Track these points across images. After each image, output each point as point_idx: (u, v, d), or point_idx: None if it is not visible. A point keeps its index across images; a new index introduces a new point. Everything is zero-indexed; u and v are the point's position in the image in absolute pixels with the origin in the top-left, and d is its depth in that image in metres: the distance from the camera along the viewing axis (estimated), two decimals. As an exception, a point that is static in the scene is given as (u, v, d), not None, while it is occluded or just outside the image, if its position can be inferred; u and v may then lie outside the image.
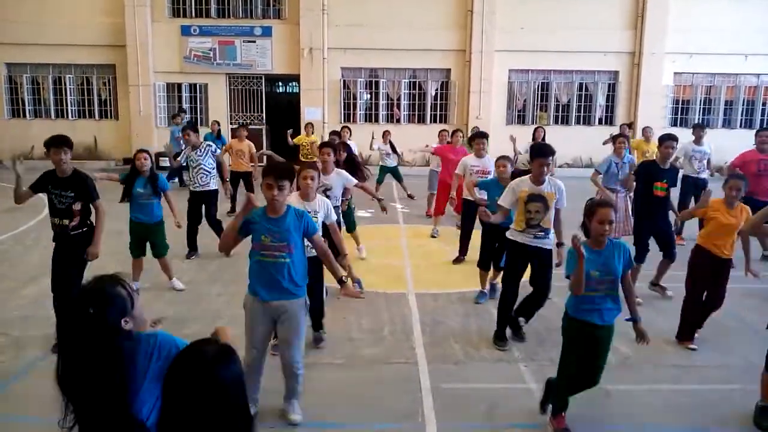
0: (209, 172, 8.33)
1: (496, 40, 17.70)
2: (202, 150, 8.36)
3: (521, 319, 5.60)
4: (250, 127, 17.80)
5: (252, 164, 11.12)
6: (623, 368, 5.02)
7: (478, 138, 8.18)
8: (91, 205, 5.43)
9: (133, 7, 17.52)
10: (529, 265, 5.45)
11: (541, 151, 5.27)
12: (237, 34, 18.02)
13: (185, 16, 18.13)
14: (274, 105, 20.04)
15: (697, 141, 9.60)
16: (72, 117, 18.71)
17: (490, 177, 7.26)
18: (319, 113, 18.03)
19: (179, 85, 18.50)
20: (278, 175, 3.83)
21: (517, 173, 6.27)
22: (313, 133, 13.01)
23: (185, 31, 17.96)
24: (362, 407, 4.37)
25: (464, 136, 11.13)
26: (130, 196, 6.90)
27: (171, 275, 7.06)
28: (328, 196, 5.77)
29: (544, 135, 11.81)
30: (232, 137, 11.77)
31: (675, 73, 18.45)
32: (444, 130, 12.01)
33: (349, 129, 12.28)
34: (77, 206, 5.33)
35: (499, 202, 5.58)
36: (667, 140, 6.77)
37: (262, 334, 4.04)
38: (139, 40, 17.71)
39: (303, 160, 12.53)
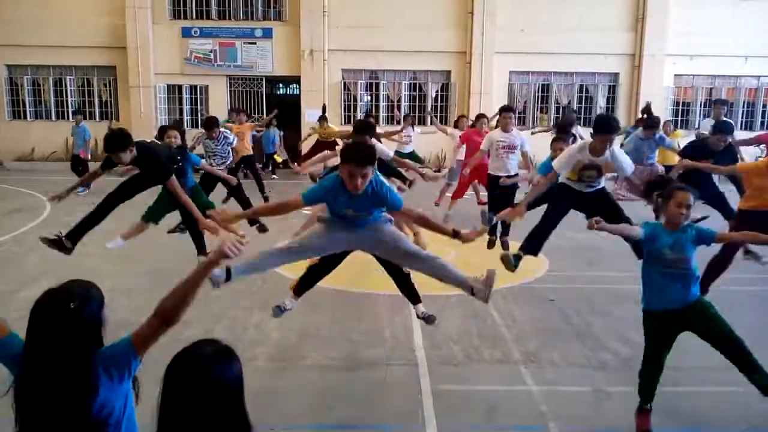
0: (225, 158, 9.12)
1: (497, 41, 17.71)
2: (219, 140, 9.05)
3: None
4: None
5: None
6: (624, 369, 5.01)
7: (505, 112, 8.16)
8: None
9: (134, 9, 17.54)
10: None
11: (604, 127, 5.28)
12: (238, 36, 18.03)
13: (186, 17, 18.15)
14: (275, 106, 20.01)
15: (718, 118, 9.31)
16: (72, 118, 18.67)
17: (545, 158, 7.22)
18: (319, 115, 17.99)
19: (180, 87, 18.51)
20: (361, 161, 3.60)
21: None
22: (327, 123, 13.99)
23: (186, 32, 17.98)
24: (362, 408, 4.37)
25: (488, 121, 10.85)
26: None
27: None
28: None
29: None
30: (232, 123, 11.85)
31: (675, 75, 18.45)
32: (463, 116, 12.12)
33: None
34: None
35: (553, 164, 5.60)
36: (719, 133, 6.83)
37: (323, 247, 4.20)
38: (139, 42, 17.72)
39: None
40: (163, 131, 8.18)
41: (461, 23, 17.97)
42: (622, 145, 8.42)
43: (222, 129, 9.16)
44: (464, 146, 10.34)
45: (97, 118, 18.80)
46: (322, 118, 14.37)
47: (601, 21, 17.79)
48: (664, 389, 4.55)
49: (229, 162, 9.33)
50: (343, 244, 4.19)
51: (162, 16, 18.03)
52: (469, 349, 5.42)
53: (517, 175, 8.18)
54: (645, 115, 9.54)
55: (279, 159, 17.29)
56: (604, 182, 5.59)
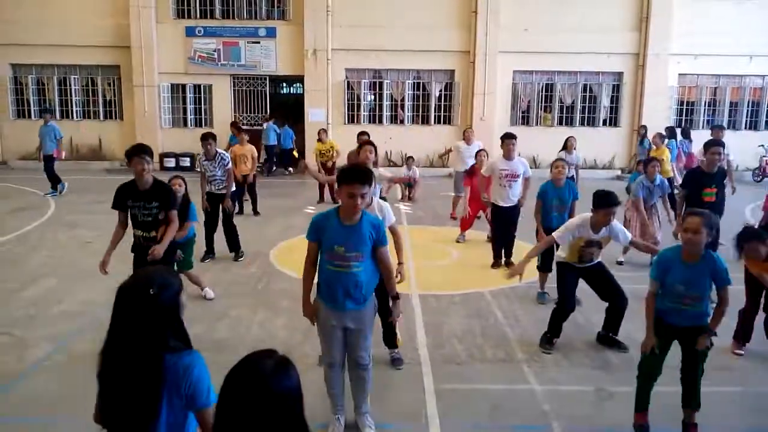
0: (223, 180, 8.33)
1: (500, 41, 17.68)
2: (216, 162, 8.26)
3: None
4: (254, 127, 17.90)
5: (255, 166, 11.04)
6: (625, 369, 5.01)
7: (508, 139, 7.85)
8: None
9: (138, 9, 17.56)
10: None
11: (607, 201, 5.13)
12: (241, 35, 18.04)
13: (190, 17, 18.16)
14: (279, 106, 20.07)
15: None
16: (77, 117, 18.75)
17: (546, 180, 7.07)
18: (323, 114, 18.04)
19: (184, 86, 18.53)
20: (362, 181, 3.51)
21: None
22: (327, 137, 13.39)
23: (190, 32, 18.00)
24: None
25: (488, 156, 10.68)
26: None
27: (202, 285, 6.77)
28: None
29: (575, 144, 11.51)
30: (240, 142, 11.03)
31: (680, 75, 18.39)
32: (468, 128, 12.17)
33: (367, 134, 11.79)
34: (162, 215, 5.13)
35: (554, 235, 5.42)
36: (713, 146, 6.67)
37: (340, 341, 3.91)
38: (143, 41, 17.74)
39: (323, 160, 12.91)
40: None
41: (465, 23, 17.94)
42: (628, 189, 8.44)
43: (220, 151, 8.40)
44: (470, 159, 10.31)
45: (101, 118, 18.85)
46: (323, 132, 13.65)
47: (605, 20, 17.75)
48: (664, 389, 4.55)
49: (227, 187, 8.39)
50: (338, 332, 3.87)
51: (166, 16, 18.05)
52: (472, 348, 5.43)
53: (519, 204, 8.01)
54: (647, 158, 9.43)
55: (296, 154, 17.91)
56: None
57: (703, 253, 3.79)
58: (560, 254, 5.56)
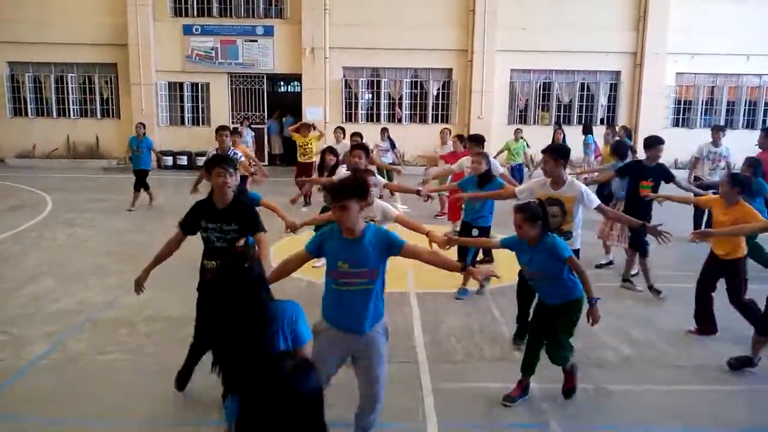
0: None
1: (498, 39, 17.69)
2: (229, 155, 7.48)
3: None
4: (252, 126, 17.87)
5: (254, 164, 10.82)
6: (624, 368, 5.02)
7: (474, 143, 7.86)
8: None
9: (135, 6, 17.54)
10: None
11: (552, 149, 5.22)
12: (239, 34, 18.02)
13: (187, 15, 18.13)
14: (276, 104, 20.06)
15: (715, 143, 9.45)
16: (74, 116, 18.73)
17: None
18: (320, 113, 18.03)
19: (181, 84, 18.51)
20: (336, 196, 3.32)
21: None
22: (310, 132, 12.85)
23: (187, 30, 17.97)
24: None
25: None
26: None
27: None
28: None
29: (564, 137, 11.84)
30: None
31: (677, 74, 18.42)
32: (446, 128, 12.03)
33: (343, 130, 12.20)
34: (241, 242, 4.16)
35: (516, 190, 5.58)
36: (658, 143, 6.95)
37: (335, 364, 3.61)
38: (141, 39, 17.72)
39: (301, 161, 12.52)
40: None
41: (462, 21, 17.94)
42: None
43: (231, 146, 7.96)
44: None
45: (99, 116, 18.83)
46: (305, 126, 12.98)
47: (603, 19, 17.77)
48: (664, 388, 4.56)
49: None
50: (336, 359, 3.61)
51: (163, 14, 18.02)
52: (469, 346, 5.42)
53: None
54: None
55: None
56: (581, 240, 5.35)
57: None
58: None
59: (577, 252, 5.04)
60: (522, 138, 13.66)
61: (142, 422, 4.18)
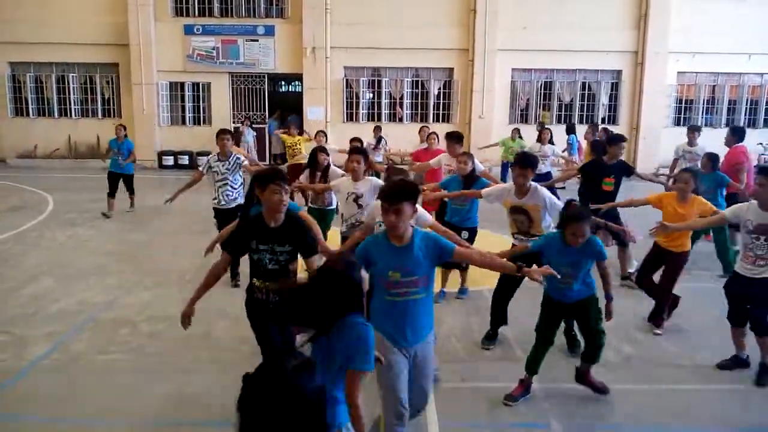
0: (235, 188, 7.09)
1: (499, 39, 17.67)
2: (231, 162, 7.05)
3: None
4: (254, 126, 17.87)
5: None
6: (625, 367, 5.01)
7: (452, 140, 7.59)
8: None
9: (136, 6, 17.55)
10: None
11: (522, 160, 5.30)
12: (240, 33, 18.03)
13: (188, 15, 18.14)
14: (277, 104, 20.07)
15: (690, 143, 9.53)
16: (75, 116, 18.75)
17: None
18: (321, 112, 18.04)
19: (182, 84, 18.52)
20: (390, 199, 3.19)
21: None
22: (300, 134, 12.65)
23: (188, 30, 17.98)
24: (363, 407, 4.36)
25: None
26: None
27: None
28: (359, 205, 5.83)
29: (552, 136, 11.83)
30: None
31: (678, 73, 18.40)
32: (425, 126, 11.80)
33: (325, 134, 11.77)
34: (294, 265, 3.82)
35: (483, 192, 5.69)
36: (620, 141, 7.25)
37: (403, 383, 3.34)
38: (142, 39, 17.72)
39: (290, 162, 12.08)
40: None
41: (463, 21, 17.93)
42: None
43: (232, 151, 7.16)
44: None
45: (100, 116, 18.84)
46: (293, 126, 12.56)
47: (604, 18, 17.74)
48: (663, 387, 4.56)
49: (241, 196, 7.06)
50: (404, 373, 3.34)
51: (164, 13, 18.03)
52: (470, 346, 5.42)
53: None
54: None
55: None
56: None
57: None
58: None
59: None
60: (520, 137, 13.71)
61: (143, 422, 4.18)
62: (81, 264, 7.95)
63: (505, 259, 3.95)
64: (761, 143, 17.57)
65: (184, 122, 18.74)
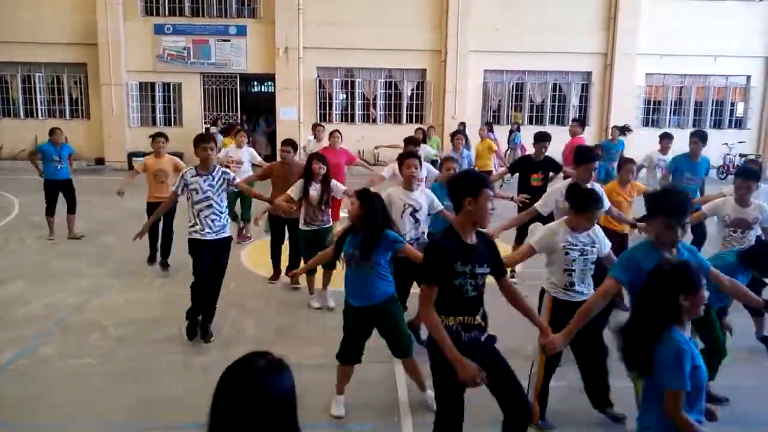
0: (221, 213, 5.47)
1: (471, 40, 17.78)
2: (215, 177, 5.40)
3: None
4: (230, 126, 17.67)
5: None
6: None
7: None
8: None
9: (105, 5, 17.24)
10: None
11: (587, 154, 5.33)
12: (211, 33, 17.85)
13: (158, 14, 17.90)
14: (250, 104, 19.92)
15: (664, 151, 8.93)
16: (42, 116, 18.35)
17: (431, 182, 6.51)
18: (294, 113, 17.95)
19: (152, 85, 18.27)
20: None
21: None
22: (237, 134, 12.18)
23: (158, 29, 17.74)
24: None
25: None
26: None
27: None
28: (416, 219, 5.23)
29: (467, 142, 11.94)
30: (155, 155, 7.92)
31: (647, 74, 18.71)
32: (319, 125, 10.94)
33: (323, 127, 10.92)
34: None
35: (537, 207, 5.58)
36: (542, 140, 7.47)
37: None
38: (111, 39, 17.42)
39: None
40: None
41: (436, 22, 18.01)
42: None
43: (224, 169, 5.67)
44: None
45: (68, 116, 18.49)
46: (232, 128, 11.97)
47: (574, 20, 17.96)
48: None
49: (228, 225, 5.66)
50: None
51: (134, 13, 17.77)
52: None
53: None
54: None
55: None
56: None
57: None
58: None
59: None
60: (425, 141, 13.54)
61: (115, 427, 4.12)
62: (50, 267, 7.81)
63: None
64: (726, 144, 17.98)
65: (154, 123, 18.47)
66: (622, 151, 11.77)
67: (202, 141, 5.46)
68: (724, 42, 17.96)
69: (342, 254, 4.26)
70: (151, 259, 7.89)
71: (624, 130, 12.53)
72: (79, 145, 18.08)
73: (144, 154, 17.47)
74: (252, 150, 9.75)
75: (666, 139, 8.97)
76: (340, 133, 9.00)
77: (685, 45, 17.83)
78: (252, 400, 1.71)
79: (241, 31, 17.88)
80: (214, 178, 5.36)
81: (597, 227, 4.20)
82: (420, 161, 5.40)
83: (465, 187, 3.14)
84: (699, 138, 7.77)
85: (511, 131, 15.47)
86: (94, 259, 8.23)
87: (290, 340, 5.57)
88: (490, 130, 14.68)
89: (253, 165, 9.33)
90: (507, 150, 15.77)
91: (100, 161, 18.02)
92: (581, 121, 9.53)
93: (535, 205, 5.64)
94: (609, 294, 3.50)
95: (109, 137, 17.87)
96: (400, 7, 17.71)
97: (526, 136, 12.73)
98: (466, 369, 3.02)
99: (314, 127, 9.65)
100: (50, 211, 9.36)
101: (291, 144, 7.31)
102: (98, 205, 11.28)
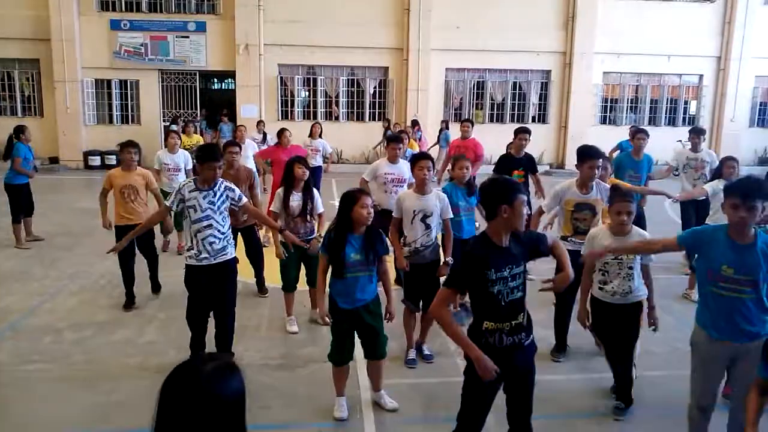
0: (222, 233, 4.68)
1: (433, 38, 17.87)
2: (217, 193, 4.64)
3: None
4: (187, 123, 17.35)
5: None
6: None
7: (394, 143, 6.77)
8: None
9: (58, 0, 16.78)
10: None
11: (590, 152, 5.01)
12: (170, 29, 17.53)
13: (114, 9, 17.51)
14: (210, 102, 19.64)
15: (694, 148, 8.05)
16: (-6, 115, 17.77)
17: (445, 183, 6.34)
18: (255, 110, 17.76)
19: (109, 82, 17.87)
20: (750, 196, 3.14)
21: None
22: (196, 132, 12.02)
23: (115, 25, 17.35)
24: (299, 407, 4.34)
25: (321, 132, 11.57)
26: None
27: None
28: (427, 225, 4.93)
29: (421, 135, 12.02)
30: (124, 167, 6.53)
31: (604, 73, 19.11)
32: (259, 121, 11.40)
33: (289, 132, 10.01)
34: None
35: (543, 207, 5.40)
36: (521, 133, 7.50)
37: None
38: (65, 34, 16.95)
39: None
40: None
41: (398, 20, 18.04)
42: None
43: (226, 183, 4.79)
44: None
45: (19, 114, 17.92)
46: (190, 126, 11.91)
47: (534, 20, 18.20)
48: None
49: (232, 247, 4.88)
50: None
51: (89, 8, 17.32)
52: (403, 343, 5.41)
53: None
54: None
55: None
56: None
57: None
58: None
59: None
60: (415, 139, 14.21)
61: (69, 433, 4.02)
62: (5, 269, 7.57)
63: None
64: (680, 140, 18.45)
65: (111, 121, 18.08)
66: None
67: (211, 158, 4.53)
68: (677, 42, 18.48)
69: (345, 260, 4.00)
70: (129, 305, 6.29)
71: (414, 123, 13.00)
72: (32, 144, 17.64)
73: (100, 153, 17.14)
74: (187, 153, 8.80)
75: (694, 134, 8.20)
76: (288, 131, 9.02)
77: (640, 45, 18.29)
78: (196, 404, 1.66)
79: (201, 28, 17.62)
80: (215, 195, 4.60)
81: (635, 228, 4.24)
82: (433, 162, 5.15)
83: (499, 194, 3.07)
84: (645, 135, 7.77)
85: (440, 130, 15.78)
86: (48, 260, 8.00)
87: (251, 341, 5.50)
88: (446, 128, 15.31)
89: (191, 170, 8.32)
90: (432, 146, 15.46)
91: (54, 160, 17.53)
92: (472, 122, 9.48)
93: (541, 205, 5.57)
94: (658, 243, 3.83)
95: (63, 136, 17.41)
96: (362, 5, 17.70)
97: (486, 133, 12.86)
98: (482, 365, 3.00)
99: (281, 132, 9.15)
100: (19, 219, 8.84)
101: (237, 145, 6.84)
102: (51, 206, 10.96)
